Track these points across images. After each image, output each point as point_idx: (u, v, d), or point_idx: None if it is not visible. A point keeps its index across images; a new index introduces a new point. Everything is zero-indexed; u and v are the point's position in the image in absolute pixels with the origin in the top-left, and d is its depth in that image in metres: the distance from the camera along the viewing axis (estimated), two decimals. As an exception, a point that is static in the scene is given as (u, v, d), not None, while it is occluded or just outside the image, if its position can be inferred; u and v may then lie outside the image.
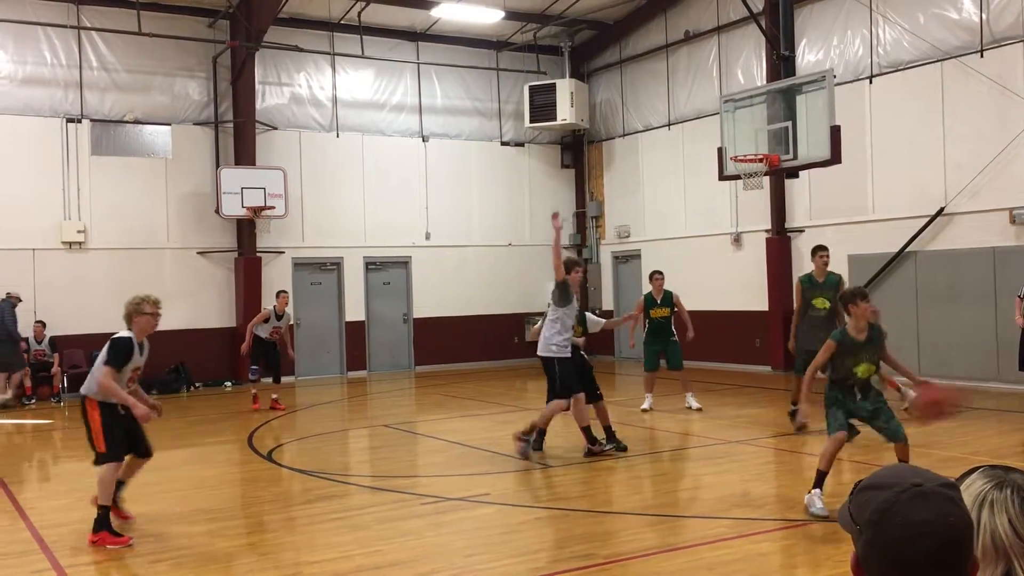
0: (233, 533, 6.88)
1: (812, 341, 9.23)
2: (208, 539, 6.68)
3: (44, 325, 15.39)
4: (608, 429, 9.57)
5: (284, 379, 14.22)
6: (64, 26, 16.02)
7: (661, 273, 12.70)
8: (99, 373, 6.63)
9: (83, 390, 6.81)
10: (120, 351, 6.67)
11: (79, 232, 16.07)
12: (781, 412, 12.29)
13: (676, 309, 12.41)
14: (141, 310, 6.88)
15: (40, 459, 11.12)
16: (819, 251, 10.83)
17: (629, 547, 6.19)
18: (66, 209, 16.08)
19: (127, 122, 16.68)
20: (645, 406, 12.19)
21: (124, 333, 6.83)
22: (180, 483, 8.78)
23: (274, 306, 13.77)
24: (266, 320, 13.59)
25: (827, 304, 10.35)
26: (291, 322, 14.11)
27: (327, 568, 5.78)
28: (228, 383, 16.62)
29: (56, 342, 15.43)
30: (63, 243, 16.02)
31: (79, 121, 16.23)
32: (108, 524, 6.53)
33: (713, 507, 7.13)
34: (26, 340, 15.28)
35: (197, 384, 16.51)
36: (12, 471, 9.64)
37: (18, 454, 11.37)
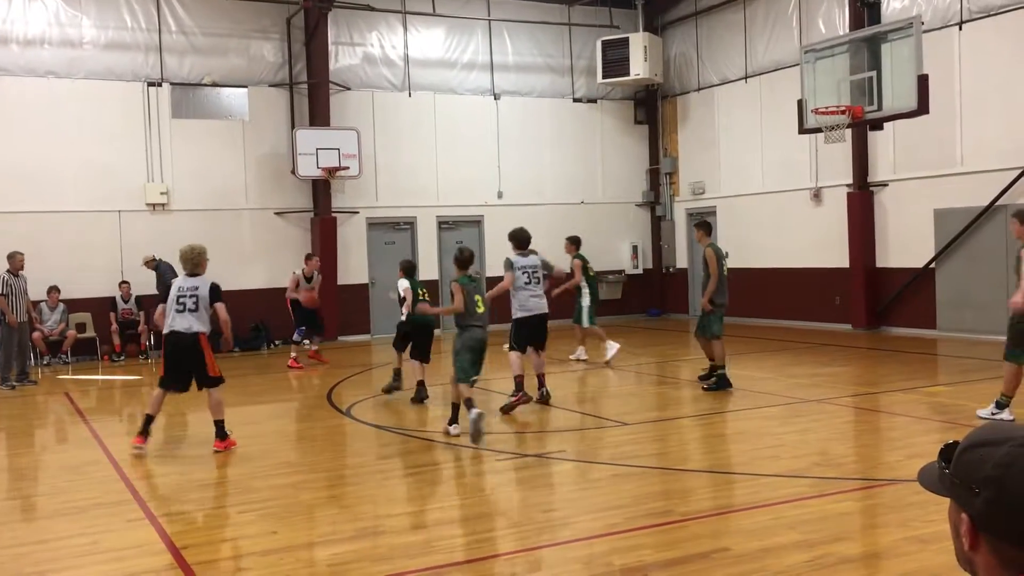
0: (315, 486, 7.04)
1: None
2: (291, 491, 6.86)
3: (130, 285, 15.90)
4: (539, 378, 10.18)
5: (359, 338, 14.46)
6: (143, -9, 16.31)
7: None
8: (222, 311, 8.07)
9: (199, 327, 8.03)
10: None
11: (162, 194, 16.50)
12: (862, 370, 12.04)
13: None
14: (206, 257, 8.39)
15: (130, 414, 11.54)
16: None
17: (707, 504, 6.15)
18: (149, 172, 16.50)
19: (205, 85, 16.98)
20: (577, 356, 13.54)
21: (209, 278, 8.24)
22: (264, 438, 9.02)
23: (302, 269, 14.06)
24: (297, 285, 13.90)
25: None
26: (318, 283, 14.56)
27: (406, 521, 5.89)
28: (307, 341, 16.97)
29: (142, 301, 15.93)
30: (147, 205, 16.47)
31: (159, 85, 16.58)
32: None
33: (792, 466, 7.03)
34: (112, 300, 15.83)
35: (277, 342, 16.89)
36: (105, 426, 10.03)
37: (109, 410, 11.83)
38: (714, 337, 10.63)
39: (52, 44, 15.86)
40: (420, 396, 10.51)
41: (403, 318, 10.85)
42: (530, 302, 10.11)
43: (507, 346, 10.36)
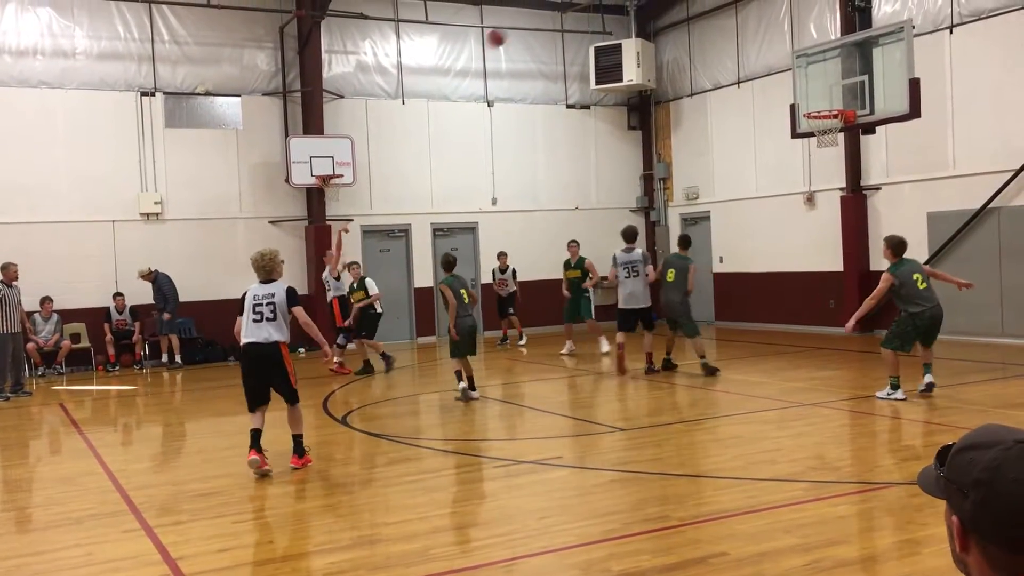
0: (312, 495, 7.03)
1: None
2: (288, 500, 6.84)
3: (124, 295, 15.85)
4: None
5: (350, 345, 14.43)
6: (136, 0, 16.31)
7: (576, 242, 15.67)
8: (302, 315, 7.74)
9: (278, 336, 7.61)
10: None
11: (156, 203, 16.48)
12: (857, 374, 12.07)
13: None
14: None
15: (125, 424, 11.52)
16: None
17: (704, 510, 6.15)
18: (143, 181, 16.48)
19: (199, 94, 16.98)
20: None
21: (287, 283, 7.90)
22: (259, 446, 8.98)
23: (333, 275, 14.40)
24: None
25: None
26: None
27: (404, 529, 5.88)
28: (301, 349, 16.93)
29: (136, 312, 15.89)
30: (141, 214, 16.45)
31: (152, 94, 16.58)
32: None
33: (789, 470, 7.04)
34: (106, 310, 15.79)
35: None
36: (100, 437, 10.00)
37: (104, 420, 11.80)
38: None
39: (45, 55, 15.85)
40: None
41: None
42: (627, 296, 12.12)
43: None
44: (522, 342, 16.62)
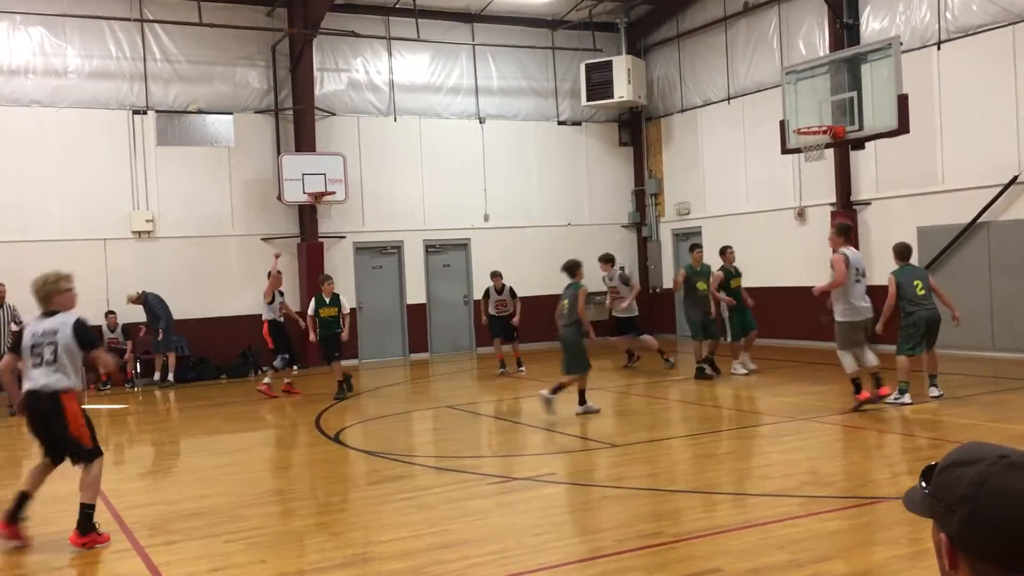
0: (304, 513, 7.01)
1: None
2: (280, 519, 6.82)
3: (116, 314, 15.81)
4: None
5: (347, 363, 14.41)
6: (128, 19, 16.36)
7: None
8: (103, 358, 6.49)
9: (62, 384, 6.07)
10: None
11: (147, 221, 16.47)
12: (849, 388, 12.10)
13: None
14: (61, 288, 6.31)
15: (116, 443, 11.46)
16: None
17: (697, 526, 6.15)
18: (135, 199, 16.48)
19: (191, 112, 17.01)
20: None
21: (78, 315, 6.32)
22: (251, 465, 8.97)
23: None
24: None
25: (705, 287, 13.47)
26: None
27: (397, 547, 5.86)
28: (295, 367, 16.88)
29: (129, 330, 15.84)
30: (133, 232, 16.42)
31: (144, 112, 16.60)
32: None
33: (781, 485, 7.04)
34: (98, 328, 15.73)
35: (264, 368, 16.79)
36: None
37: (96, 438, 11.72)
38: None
39: (36, 74, 15.86)
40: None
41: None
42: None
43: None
44: (522, 369, 15.31)
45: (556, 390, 10.37)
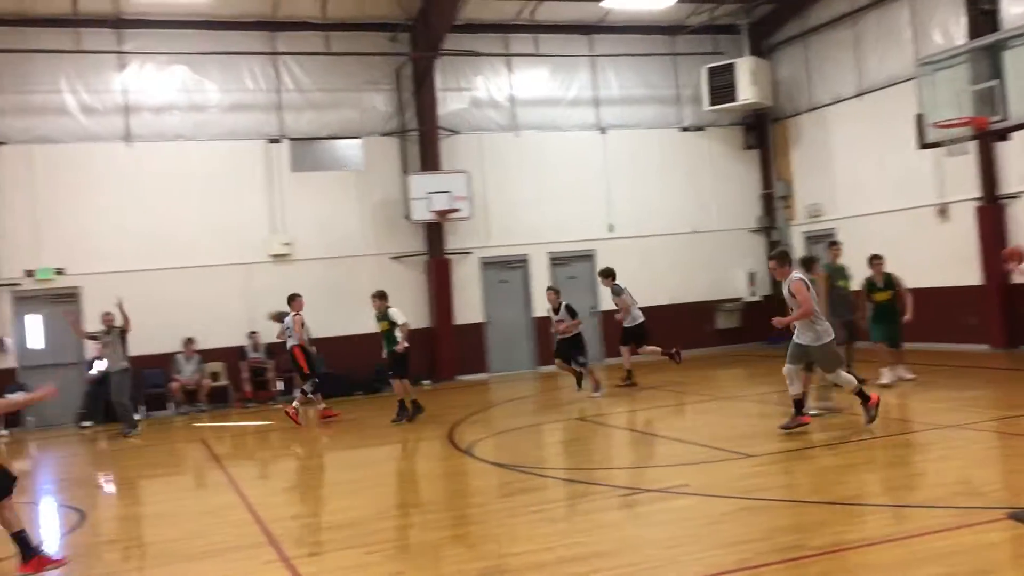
0: (439, 525, 7.11)
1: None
2: (416, 531, 6.95)
3: (259, 334, 16.53)
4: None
5: (472, 376, 14.49)
6: (263, 53, 17.17)
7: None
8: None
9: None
10: None
11: (285, 245, 17.18)
12: (1003, 392, 11.41)
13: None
14: None
15: (261, 458, 11.96)
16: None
17: (841, 538, 5.90)
18: (272, 224, 17.24)
19: (322, 138, 17.68)
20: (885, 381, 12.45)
21: None
22: (387, 478, 9.18)
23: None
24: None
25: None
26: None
27: (530, 559, 5.87)
28: (426, 381, 17.22)
29: (271, 349, 16.52)
30: (271, 256, 17.17)
31: (279, 141, 17.36)
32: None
33: (933, 495, 6.69)
34: (242, 349, 16.49)
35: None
36: (240, 470, 10.40)
37: (243, 455, 12.28)
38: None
39: (180, 110, 16.83)
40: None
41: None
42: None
43: None
44: (597, 393, 13.88)
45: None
